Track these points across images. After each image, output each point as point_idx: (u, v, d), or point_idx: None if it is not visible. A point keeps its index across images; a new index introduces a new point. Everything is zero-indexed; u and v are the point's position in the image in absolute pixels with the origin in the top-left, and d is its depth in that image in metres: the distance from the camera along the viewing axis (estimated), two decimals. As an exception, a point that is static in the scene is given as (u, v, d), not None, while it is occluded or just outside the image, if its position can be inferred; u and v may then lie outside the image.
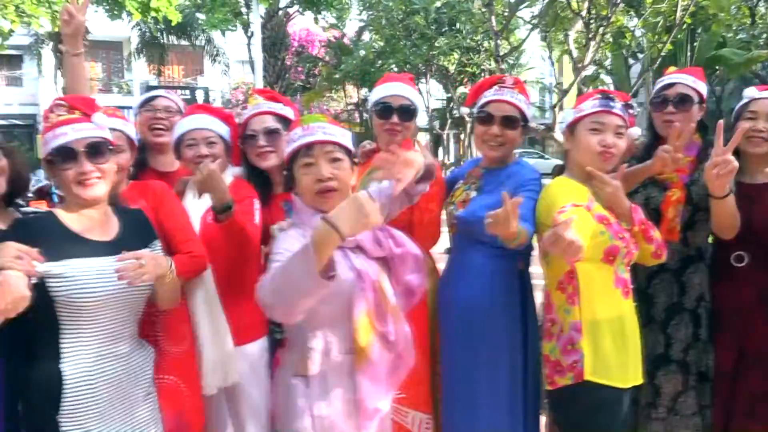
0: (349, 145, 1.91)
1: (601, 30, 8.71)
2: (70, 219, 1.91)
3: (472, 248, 2.39)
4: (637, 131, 2.29)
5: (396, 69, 15.12)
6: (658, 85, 2.57)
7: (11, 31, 11.57)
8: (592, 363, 2.06)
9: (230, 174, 2.38)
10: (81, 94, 2.32)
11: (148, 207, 2.20)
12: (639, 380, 2.17)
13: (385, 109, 2.53)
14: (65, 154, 1.88)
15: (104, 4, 13.44)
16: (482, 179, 2.48)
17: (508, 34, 10.36)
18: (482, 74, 15.51)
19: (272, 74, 18.81)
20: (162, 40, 20.07)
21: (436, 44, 12.87)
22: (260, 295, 1.68)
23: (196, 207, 2.33)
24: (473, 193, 2.46)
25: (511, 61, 13.89)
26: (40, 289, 1.76)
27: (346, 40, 19.95)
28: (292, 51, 20.97)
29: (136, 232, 2.01)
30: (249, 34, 17.43)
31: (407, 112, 2.53)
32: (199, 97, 25.39)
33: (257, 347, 2.35)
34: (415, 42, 12.85)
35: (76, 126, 1.90)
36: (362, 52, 15.07)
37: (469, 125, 18.09)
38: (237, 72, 24.16)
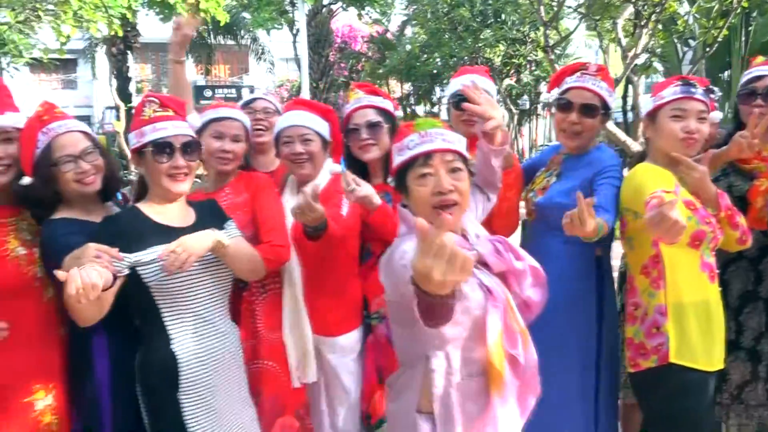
0: (466, 153, 1.78)
1: (653, 17, 8.53)
2: (153, 211, 2.04)
3: (549, 234, 2.41)
4: (718, 115, 2.30)
5: (440, 63, 15.14)
6: (746, 77, 2.56)
7: (68, 36, 12.02)
8: (677, 346, 2.09)
9: (328, 170, 2.44)
10: (181, 97, 2.42)
11: (249, 198, 2.32)
12: (722, 364, 2.18)
13: (461, 101, 2.58)
14: (163, 147, 2.00)
15: (155, 7, 13.81)
16: (562, 165, 2.50)
17: (557, 23, 10.24)
18: (528, 65, 15.40)
19: (317, 71, 19.01)
20: (209, 41, 20.49)
21: (482, 36, 12.81)
22: (380, 275, 1.72)
23: (292, 204, 2.40)
24: (553, 179, 2.48)
25: (558, 51, 13.73)
26: (136, 279, 1.90)
27: (389, 35, 20.02)
28: (335, 47, 21.15)
29: (210, 216, 2.13)
30: (294, 31, 17.65)
31: None
32: (245, 95, 25.90)
33: (352, 338, 2.42)
34: (460, 35, 12.82)
35: (175, 123, 2.04)
36: (408, 47, 15.10)
37: (516, 117, 17.98)
38: (281, 69, 24.48)
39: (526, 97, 18.05)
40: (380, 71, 18.87)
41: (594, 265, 2.44)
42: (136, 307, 1.97)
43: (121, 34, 12.35)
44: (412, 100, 21.15)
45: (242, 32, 19.93)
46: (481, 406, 1.65)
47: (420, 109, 21.37)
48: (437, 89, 18.69)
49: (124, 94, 18.98)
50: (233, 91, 25.91)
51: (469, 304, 1.60)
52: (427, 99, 20.49)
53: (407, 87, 21.21)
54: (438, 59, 14.89)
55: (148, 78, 24.71)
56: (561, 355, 2.37)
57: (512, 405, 1.68)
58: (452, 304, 1.34)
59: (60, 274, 1.60)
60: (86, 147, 2.09)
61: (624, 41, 9.02)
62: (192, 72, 24.87)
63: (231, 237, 2.09)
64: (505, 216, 2.45)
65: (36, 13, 10.54)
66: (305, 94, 13.56)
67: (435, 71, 15.79)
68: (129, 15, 12.31)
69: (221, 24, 14.09)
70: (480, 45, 12.91)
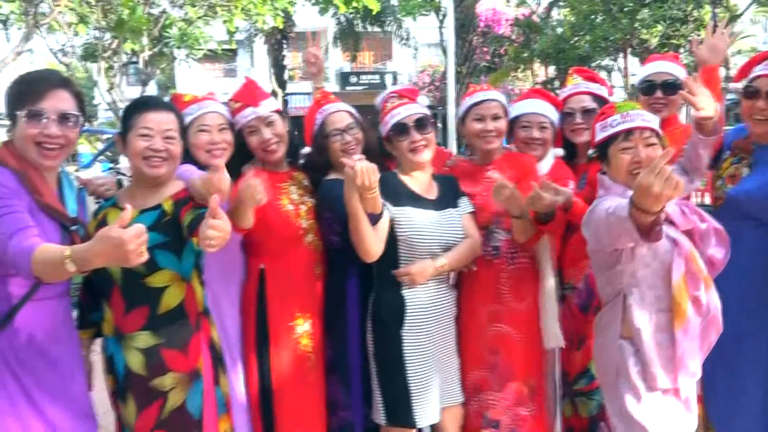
0: (660, 131, 2.12)
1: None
2: (407, 179, 2.44)
3: (739, 221, 2.42)
4: None
5: (588, 45, 14.67)
6: None
7: (237, 29, 13.13)
8: None
9: (552, 155, 2.65)
10: None
11: (511, 178, 2.45)
12: None
13: (649, 87, 2.72)
14: (399, 128, 2.40)
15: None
16: (754, 155, 2.51)
17: (726, 0, 9.62)
18: (688, 46, 14.51)
19: (460, 56, 19.09)
20: (357, 29, 21.24)
21: (638, 17, 12.28)
22: (583, 229, 2.04)
23: None
24: (745, 170, 2.51)
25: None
26: (390, 229, 2.32)
27: (534, 18, 19.63)
28: (478, 31, 21.08)
29: (449, 192, 2.50)
30: (441, 17, 17.88)
31: (670, 87, 2.67)
32: (388, 81, 26.57)
33: None
34: (614, 16, 12.38)
35: (407, 107, 2.43)
36: (559, 30, 14.78)
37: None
38: (424, 55, 24.81)
39: (683, 79, 16.92)
40: (525, 55, 18.57)
41: None
42: (382, 252, 2.36)
43: (282, 25, 13.29)
44: (556, 84, 20.63)
45: (389, 19, 20.43)
46: (669, 337, 2.01)
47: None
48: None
49: (280, 82, 20.28)
50: (377, 77, 26.70)
51: (658, 249, 1.98)
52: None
53: (551, 71, 20.69)
54: (587, 42, 14.44)
55: (299, 66, 26.04)
56: (750, 340, 2.43)
57: (694, 338, 2.02)
58: (660, 228, 1.79)
59: (348, 161, 2.11)
60: (350, 123, 2.52)
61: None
62: (339, 59, 25.95)
63: (464, 212, 2.46)
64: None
65: (213, 9, 11.66)
66: (451, 80, 13.75)
67: (583, 54, 15.31)
68: (289, 8, 13.21)
69: (373, 12, 14.72)
70: (636, 26, 12.39)
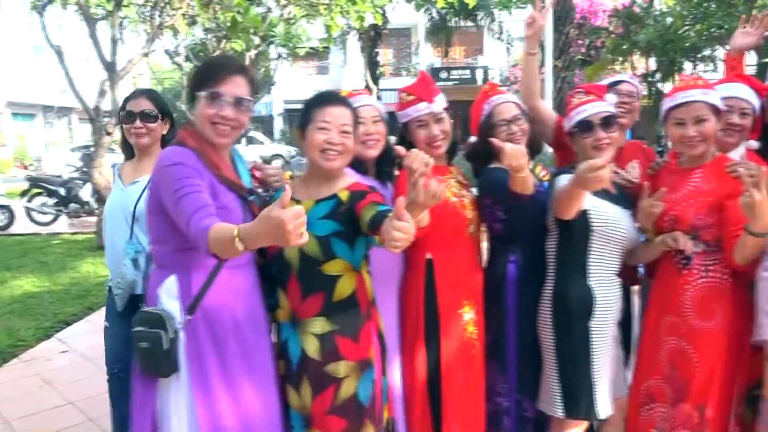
0: None
1: None
2: None
3: None
4: None
5: (694, 36, 13.92)
6: None
7: (338, 27, 13.36)
8: None
9: (743, 147, 2.53)
10: (532, 85, 2.79)
11: (717, 187, 2.31)
12: None
13: None
14: (585, 125, 2.40)
15: (410, -6, 14.68)
16: None
17: None
18: (811, 33, 13.50)
19: (556, 49, 18.62)
20: (449, 24, 21.17)
21: (758, 3, 11.52)
22: None
23: None
24: None
25: None
26: (585, 218, 2.34)
27: (635, 8, 18.85)
28: (574, 24, 20.49)
29: (623, 194, 2.53)
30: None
31: None
32: (479, 76, 26.31)
33: None
34: (730, 3, 11.68)
35: (593, 104, 2.41)
36: (669, 20, 14.12)
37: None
38: (515, 49, 24.43)
39: (803, 69, 15.80)
40: (624, 47, 17.86)
41: None
42: (567, 242, 2.41)
43: (381, 22, 13.42)
44: (657, 76, 19.73)
45: (481, 13, 20.24)
46: None
47: (668, 88, 19.83)
48: (689, 65, 17.24)
49: (373, 78, 20.54)
50: (467, 72, 26.50)
51: None
52: (677, 75, 18.96)
53: (652, 63, 19.80)
54: (696, 32, 13.69)
55: (389, 62, 26.29)
56: None
57: None
58: None
59: (496, 141, 2.25)
60: (516, 114, 2.56)
61: None
62: (430, 54, 25.95)
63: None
64: None
65: (316, 8, 11.91)
66: (548, 74, 13.43)
67: (689, 45, 14.55)
68: (387, 4, 13.30)
69: (470, 6, 14.62)
70: (756, 11, 11.62)
